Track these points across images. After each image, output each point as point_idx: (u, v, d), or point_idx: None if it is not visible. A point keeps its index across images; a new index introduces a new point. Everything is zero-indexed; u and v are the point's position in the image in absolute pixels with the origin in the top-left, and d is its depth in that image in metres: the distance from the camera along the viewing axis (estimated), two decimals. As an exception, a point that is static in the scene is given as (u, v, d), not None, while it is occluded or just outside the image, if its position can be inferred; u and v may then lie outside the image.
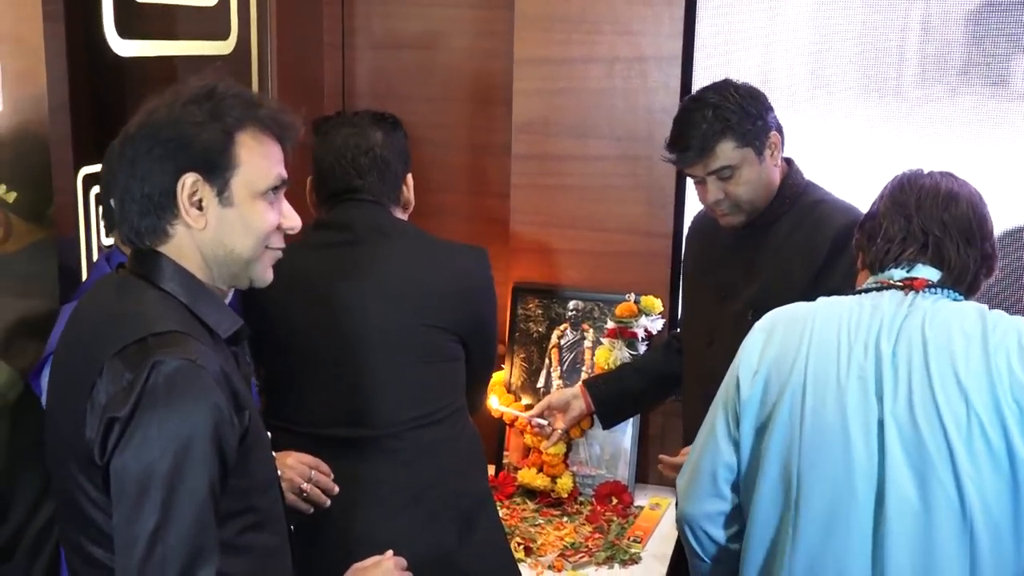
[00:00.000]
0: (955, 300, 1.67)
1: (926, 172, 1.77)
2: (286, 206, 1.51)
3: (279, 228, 1.50)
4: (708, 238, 2.36)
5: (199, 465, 1.34)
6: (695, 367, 2.34)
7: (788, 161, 2.26)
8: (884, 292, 1.69)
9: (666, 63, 2.69)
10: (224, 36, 2.46)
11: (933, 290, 1.67)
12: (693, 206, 2.53)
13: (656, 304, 2.75)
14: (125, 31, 2.10)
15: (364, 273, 1.99)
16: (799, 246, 2.16)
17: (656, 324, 2.74)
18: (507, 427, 2.82)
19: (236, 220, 1.45)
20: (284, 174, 1.49)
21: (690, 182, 2.30)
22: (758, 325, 1.76)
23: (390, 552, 1.67)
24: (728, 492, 1.77)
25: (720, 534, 1.80)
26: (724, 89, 2.17)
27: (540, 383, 2.84)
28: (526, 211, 2.86)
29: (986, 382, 1.55)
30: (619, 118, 2.75)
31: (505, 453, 2.83)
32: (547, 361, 2.84)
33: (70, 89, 1.94)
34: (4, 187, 1.82)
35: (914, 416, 1.57)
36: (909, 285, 1.68)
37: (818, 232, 2.15)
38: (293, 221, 1.52)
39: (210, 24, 2.43)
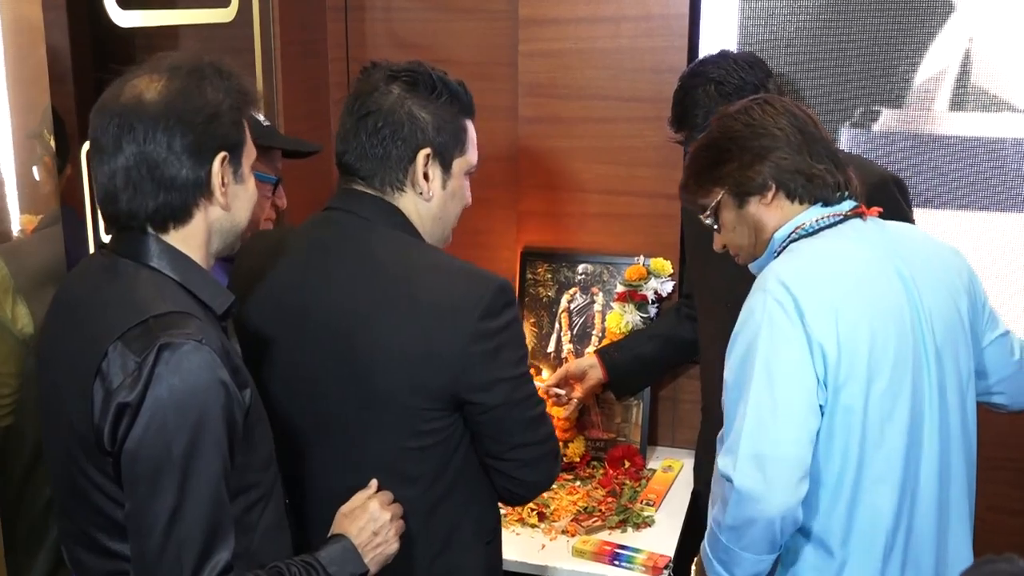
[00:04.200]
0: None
1: (780, 99, 1.83)
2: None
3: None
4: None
5: (212, 445, 1.33)
6: (712, 326, 2.33)
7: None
8: (847, 224, 1.74)
9: (673, 21, 2.65)
10: (225, 3, 2.43)
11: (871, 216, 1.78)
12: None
13: (666, 266, 2.74)
14: (125, 1, 2.07)
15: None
16: None
17: (666, 286, 2.73)
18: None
19: (243, 194, 1.51)
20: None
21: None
22: (781, 292, 1.66)
23: (373, 483, 1.63)
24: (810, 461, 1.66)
25: (802, 513, 1.67)
26: (723, 61, 2.15)
27: (551, 348, 2.83)
28: (533, 174, 2.84)
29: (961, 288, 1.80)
30: (626, 78, 2.71)
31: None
32: (557, 325, 2.83)
33: (72, 61, 1.93)
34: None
35: (940, 347, 1.72)
36: (861, 213, 1.76)
37: None
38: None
39: (211, -9, 2.40)
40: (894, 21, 2.53)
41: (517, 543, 2.32)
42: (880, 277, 1.70)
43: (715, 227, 1.86)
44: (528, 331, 2.86)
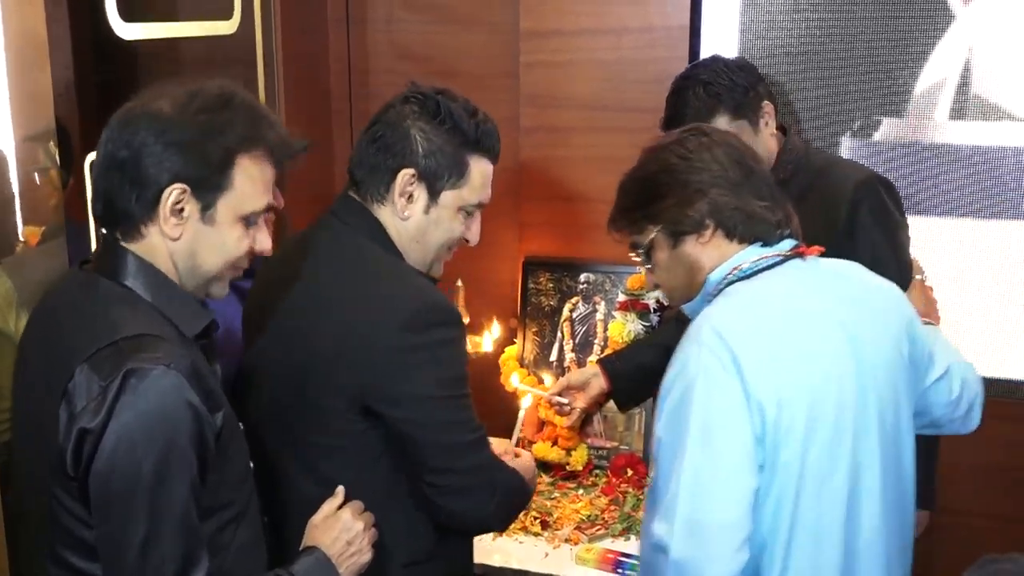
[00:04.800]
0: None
1: (715, 130, 1.75)
2: (263, 230, 1.48)
3: (249, 252, 1.47)
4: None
5: (181, 472, 1.31)
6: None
7: (783, 128, 2.26)
8: (787, 265, 1.63)
9: (674, 32, 2.66)
10: (227, 16, 2.44)
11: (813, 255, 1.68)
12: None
13: (667, 275, 2.74)
14: (128, 14, 2.08)
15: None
16: (817, 209, 2.16)
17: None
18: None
19: (212, 238, 1.42)
20: (273, 201, 1.47)
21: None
22: (716, 343, 1.55)
23: (340, 491, 1.60)
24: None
25: None
26: (713, 64, 2.18)
27: (553, 356, 2.84)
28: (535, 184, 2.85)
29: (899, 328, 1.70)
30: (627, 89, 2.72)
31: (519, 427, 2.83)
32: (559, 335, 2.83)
33: (75, 74, 1.94)
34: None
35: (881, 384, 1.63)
36: (800, 254, 1.66)
37: (836, 192, 2.16)
38: (264, 245, 1.48)
39: (213, 4, 2.41)
40: (894, 31, 2.54)
41: (520, 551, 2.33)
42: (821, 328, 1.60)
43: (648, 266, 1.75)
44: (530, 340, 2.87)
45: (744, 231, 1.63)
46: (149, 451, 1.29)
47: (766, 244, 1.64)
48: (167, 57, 2.26)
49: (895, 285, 1.75)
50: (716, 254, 1.64)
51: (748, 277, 1.61)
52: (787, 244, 1.65)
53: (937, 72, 2.54)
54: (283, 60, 2.66)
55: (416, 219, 1.71)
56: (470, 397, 1.70)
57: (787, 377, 1.54)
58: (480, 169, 1.73)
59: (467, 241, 1.79)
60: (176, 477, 1.31)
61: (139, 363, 1.30)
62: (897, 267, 2.13)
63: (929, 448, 2.18)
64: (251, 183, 1.43)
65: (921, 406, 1.76)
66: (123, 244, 1.41)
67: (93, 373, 1.30)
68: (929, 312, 2.03)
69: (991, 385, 2.60)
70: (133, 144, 1.37)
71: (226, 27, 2.43)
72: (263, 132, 1.44)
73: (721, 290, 1.63)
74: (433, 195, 1.71)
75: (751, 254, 1.63)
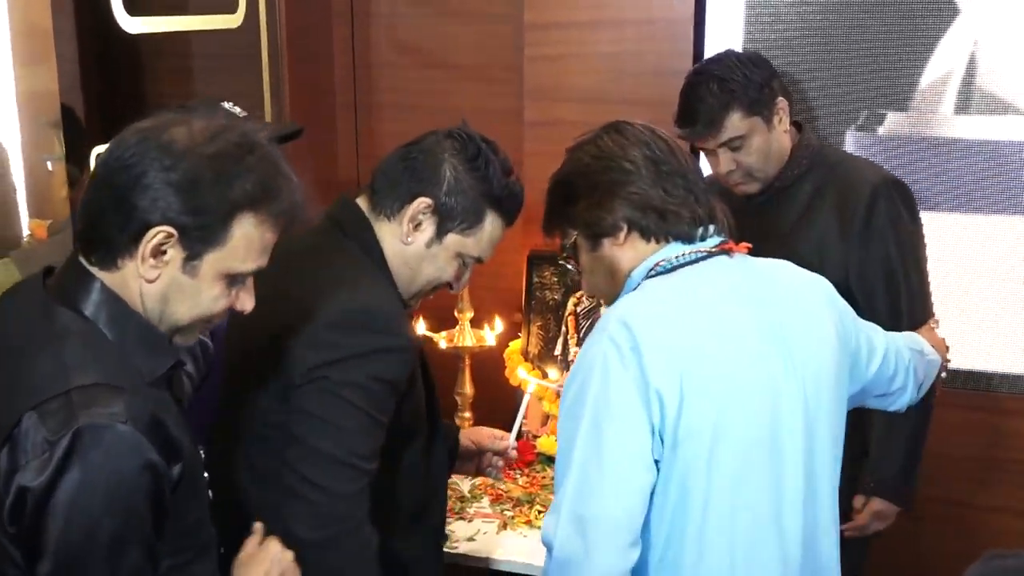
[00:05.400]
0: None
1: (638, 126, 1.66)
2: (248, 289, 1.37)
3: (226, 310, 1.36)
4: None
5: (139, 537, 1.24)
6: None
7: (798, 124, 2.25)
8: (712, 261, 1.56)
9: (677, 26, 2.66)
10: (232, 9, 2.44)
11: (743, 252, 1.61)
12: (705, 170, 2.52)
13: (671, 269, 2.74)
14: (133, 8, 2.09)
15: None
16: (833, 208, 2.16)
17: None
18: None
19: (189, 290, 1.31)
20: (264, 264, 1.36)
21: (703, 148, 2.29)
22: (620, 332, 1.47)
23: (259, 526, 1.48)
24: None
25: None
26: (727, 59, 2.17)
27: (557, 351, 2.84)
28: (540, 178, 2.82)
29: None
30: (631, 82, 2.72)
31: (524, 421, 2.83)
32: (564, 329, 2.84)
33: (80, 69, 1.94)
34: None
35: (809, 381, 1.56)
36: (729, 249, 1.58)
37: (851, 193, 2.16)
38: (246, 306, 1.37)
39: (218, -3, 2.42)
40: (899, 24, 2.54)
41: (524, 545, 2.32)
42: (741, 326, 1.52)
43: (578, 270, 1.70)
44: (535, 334, 2.87)
45: (658, 230, 1.56)
46: (106, 521, 1.20)
47: (687, 241, 1.56)
48: (172, 51, 2.27)
49: (824, 280, 1.69)
50: (633, 255, 1.58)
51: (669, 272, 1.55)
52: (712, 240, 1.58)
53: (942, 66, 2.54)
54: (287, 53, 2.66)
55: (416, 248, 1.69)
56: (381, 427, 1.60)
57: (694, 369, 1.45)
58: (493, 228, 1.72)
59: (450, 287, 1.76)
60: (134, 543, 1.23)
61: (92, 419, 1.20)
62: (910, 276, 2.13)
63: (912, 448, 2.19)
64: (246, 245, 1.31)
65: (867, 388, 1.76)
66: (91, 270, 1.30)
67: (41, 424, 1.19)
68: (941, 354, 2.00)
69: (998, 380, 2.61)
70: (134, 170, 1.26)
71: (231, 21, 2.43)
72: (275, 193, 1.32)
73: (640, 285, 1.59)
74: (440, 232, 1.68)
75: (672, 251, 1.56)
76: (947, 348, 2.03)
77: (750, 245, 1.63)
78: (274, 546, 1.46)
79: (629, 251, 1.58)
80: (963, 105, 2.54)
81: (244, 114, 2.04)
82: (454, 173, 1.66)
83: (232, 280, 1.33)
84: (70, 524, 1.19)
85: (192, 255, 1.29)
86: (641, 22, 2.69)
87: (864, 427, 2.18)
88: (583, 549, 1.41)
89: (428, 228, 1.68)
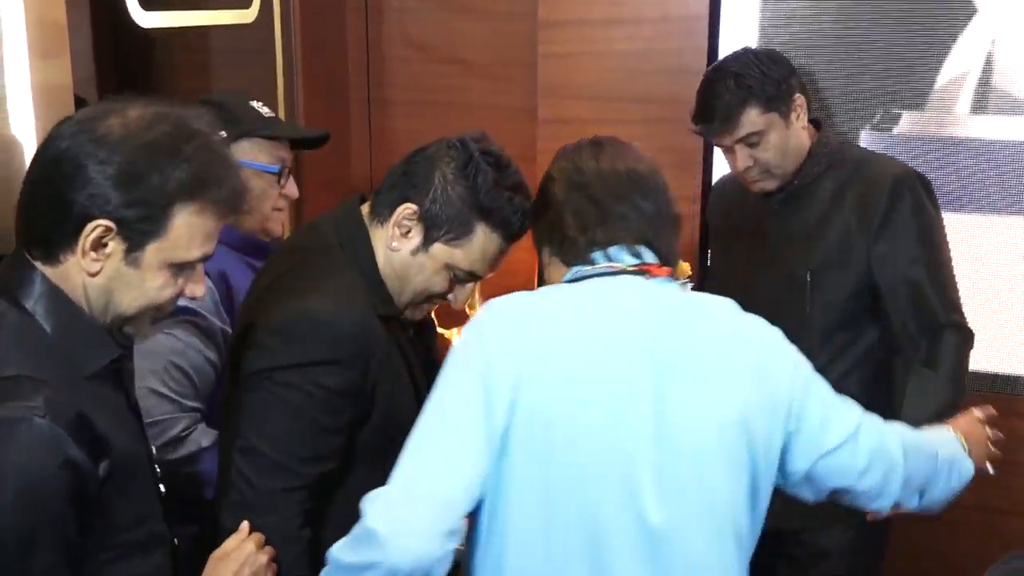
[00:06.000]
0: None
1: (592, 144, 1.57)
2: (196, 277, 1.35)
3: (174, 298, 1.34)
4: (736, 204, 2.34)
5: (53, 537, 1.20)
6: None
7: (816, 122, 2.24)
8: (620, 279, 1.47)
9: (692, 23, 2.65)
10: (246, 4, 2.45)
11: (668, 277, 1.50)
12: (720, 168, 2.51)
13: (685, 268, 2.73)
14: (147, 2, 2.09)
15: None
16: (854, 203, 2.15)
17: (685, 288, 2.72)
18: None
19: (133, 281, 1.29)
20: (210, 251, 1.34)
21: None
22: (486, 319, 1.46)
23: (244, 526, 1.49)
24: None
25: None
26: (744, 56, 2.17)
27: (568, 348, 2.83)
28: (552, 176, 2.84)
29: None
30: (644, 80, 2.71)
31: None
32: (575, 326, 2.83)
33: (95, 63, 1.95)
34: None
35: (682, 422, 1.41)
36: (647, 271, 1.49)
37: (872, 187, 2.14)
38: (195, 293, 1.35)
39: (232, -8, 2.42)
40: (916, 23, 2.52)
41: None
42: (613, 347, 1.42)
43: None
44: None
45: (563, 256, 1.52)
46: (15, 520, 1.17)
47: (584, 265, 1.50)
48: (186, 45, 2.27)
49: (777, 337, 1.52)
50: (557, 276, 1.54)
51: (574, 282, 1.50)
52: (627, 259, 1.48)
53: (959, 65, 2.52)
54: (301, 49, 2.66)
55: (403, 256, 1.65)
56: (327, 432, 1.56)
57: (533, 375, 1.39)
58: (486, 242, 1.64)
59: (449, 302, 1.73)
60: (46, 545, 1.20)
61: (7, 411, 1.17)
62: (935, 268, 2.11)
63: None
64: (189, 233, 1.29)
65: (816, 474, 1.52)
66: (35, 263, 1.29)
67: None
68: (979, 455, 1.78)
69: (1014, 382, 2.60)
70: (69, 164, 1.25)
71: (245, 15, 2.44)
72: (214, 181, 1.30)
73: None
74: (427, 241, 1.64)
75: (585, 270, 1.50)
76: (992, 440, 1.83)
77: (669, 270, 1.50)
78: (249, 546, 1.46)
79: (555, 272, 1.54)
80: (980, 105, 2.52)
81: (271, 114, 2.05)
82: (443, 181, 1.62)
83: (178, 269, 1.32)
84: None
85: (133, 247, 1.27)
86: (656, 20, 2.68)
87: (891, 394, 2.16)
88: (393, 524, 1.31)
89: (416, 235, 1.64)
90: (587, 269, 1.49)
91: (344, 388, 1.55)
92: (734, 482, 1.43)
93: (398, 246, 1.64)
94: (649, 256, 1.50)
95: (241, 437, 1.56)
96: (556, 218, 1.52)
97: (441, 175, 1.62)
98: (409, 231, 1.64)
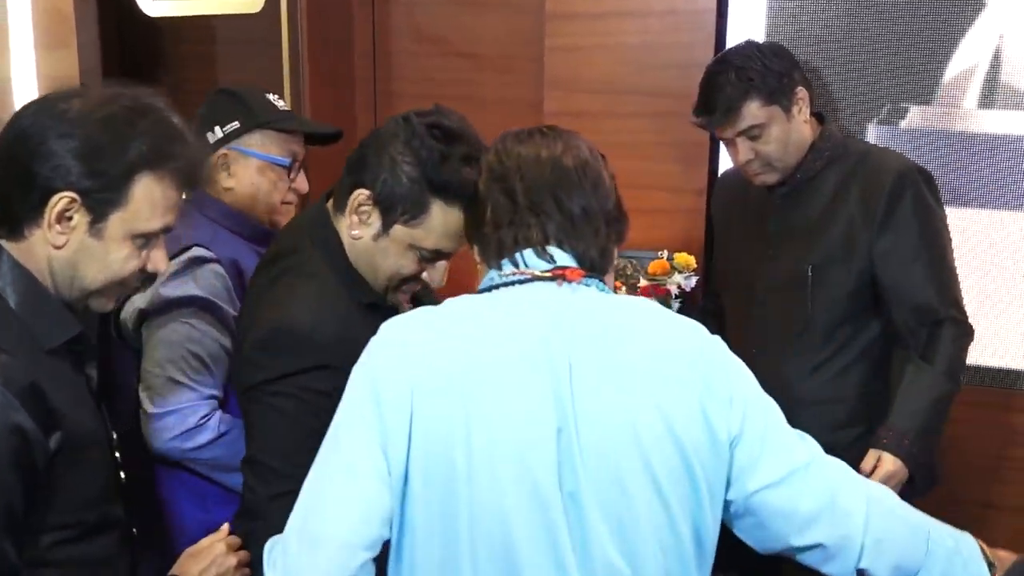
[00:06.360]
0: (603, 291, 1.39)
1: (522, 133, 1.45)
2: (159, 249, 1.39)
3: (137, 271, 1.38)
4: (739, 198, 2.34)
5: None
6: (740, 328, 2.33)
7: (819, 116, 2.24)
8: (529, 286, 1.35)
9: (700, 16, 2.64)
10: (253, -6, 2.45)
11: (585, 281, 1.37)
12: (727, 162, 2.51)
13: (690, 261, 2.73)
14: (154, -8, 2.10)
15: None
16: (857, 198, 2.14)
17: (690, 281, 2.72)
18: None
19: (97, 253, 1.34)
20: (171, 222, 1.38)
21: (723, 140, 2.28)
22: (377, 338, 1.35)
23: (224, 527, 1.53)
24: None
25: None
26: (747, 49, 2.17)
27: (573, 341, 2.83)
28: (558, 168, 2.84)
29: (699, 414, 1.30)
30: (652, 74, 2.71)
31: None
32: (580, 319, 2.82)
33: (101, 52, 1.95)
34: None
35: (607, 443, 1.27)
36: (561, 275, 1.35)
37: (874, 181, 2.14)
38: (158, 266, 1.40)
39: (239, -17, 2.42)
40: (924, 17, 2.52)
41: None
42: (508, 360, 1.29)
43: None
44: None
45: (482, 255, 1.42)
46: None
47: (493, 268, 1.39)
48: (192, 35, 2.27)
49: (719, 343, 1.40)
50: (480, 272, 1.43)
51: (485, 292, 1.39)
52: (539, 264, 1.36)
53: (967, 59, 2.51)
54: (308, 40, 2.66)
55: (365, 243, 1.62)
56: (309, 441, 1.44)
57: (425, 397, 1.28)
58: (445, 217, 1.58)
59: (428, 285, 1.71)
60: None
61: None
62: (938, 262, 2.11)
63: (932, 411, 2.07)
64: (150, 203, 1.34)
65: (753, 511, 1.35)
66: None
67: None
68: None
69: (1015, 377, 2.59)
70: (32, 140, 1.30)
71: (251, 5, 2.44)
72: (171, 152, 1.35)
73: None
74: (386, 224, 1.60)
75: (494, 278, 1.39)
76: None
77: (583, 273, 1.36)
78: (220, 547, 1.49)
79: (480, 270, 1.44)
80: (987, 99, 2.51)
81: (286, 107, 2.05)
82: (391, 162, 1.57)
83: (141, 241, 1.36)
84: None
85: (97, 218, 1.32)
86: (663, 13, 2.67)
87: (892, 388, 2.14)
88: (306, 568, 1.25)
89: (374, 220, 1.60)
90: (496, 277, 1.37)
91: (335, 390, 1.49)
92: (666, 495, 1.27)
93: (359, 233, 1.61)
94: (564, 258, 1.36)
95: (247, 450, 1.59)
96: (479, 211, 1.41)
97: (389, 156, 1.57)
98: (368, 216, 1.60)
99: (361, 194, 1.59)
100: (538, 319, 1.31)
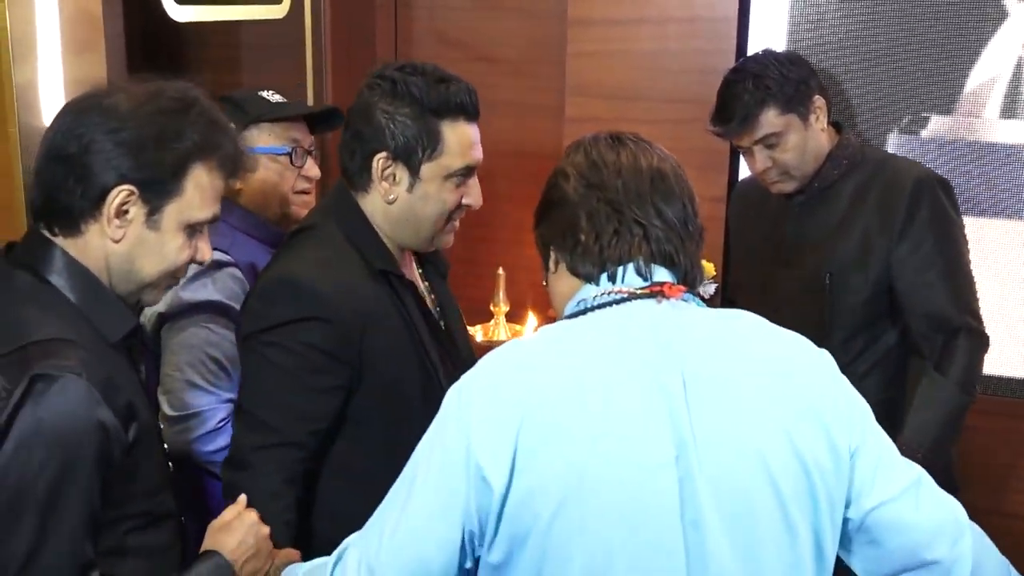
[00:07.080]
0: (700, 306, 1.33)
1: (611, 139, 1.39)
2: (205, 239, 1.44)
3: (188, 261, 1.42)
4: (757, 206, 2.34)
5: (79, 489, 1.25)
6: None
7: (837, 125, 2.24)
8: (630, 305, 1.28)
9: (720, 24, 2.65)
10: (278, 0, 2.47)
11: (684, 297, 1.31)
12: (746, 169, 2.51)
13: (709, 268, 2.73)
14: (181, -3, 2.12)
15: None
16: (874, 206, 2.14)
17: (709, 288, 2.72)
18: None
19: (154, 245, 1.37)
20: (219, 211, 1.43)
21: (742, 148, 2.29)
22: (470, 386, 1.24)
23: (242, 498, 1.51)
24: None
25: None
26: (764, 58, 2.17)
27: (591, 346, 2.83)
28: (578, 174, 2.84)
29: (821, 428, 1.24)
30: (672, 80, 2.72)
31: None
32: (598, 324, 2.83)
33: (127, 56, 1.97)
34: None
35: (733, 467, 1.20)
36: (660, 292, 1.29)
37: (892, 189, 2.14)
38: (205, 255, 1.43)
39: (264, -12, 2.44)
40: (945, 27, 2.51)
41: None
42: (626, 387, 1.20)
43: None
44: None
45: (572, 266, 1.33)
46: (46, 468, 1.22)
47: (590, 282, 1.32)
48: (217, 40, 2.29)
49: (827, 356, 1.34)
50: (566, 288, 1.35)
51: (583, 313, 1.31)
52: (637, 281, 1.30)
53: (989, 69, 2.50)
54: (331, 45, 2.68)
55: (402, 199, 1.67)
56: (316, 392, 1.59)
57: (535, 446, 1.18)
58: (457, 133, 1.67)
59: (470, 206, 1.74)
60: (72, 498, 1.24)
61: (47, 369, 1.23)
62: (955, 271, 2.11)
63: (947, 419, 2.07)
64: (201, 192, 1.38)
65: (869, 531, 1.30)
66: (51, 238, 1.36)
67: (0, 375, 1.23)
68: None
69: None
70: (83, 138, 1.32)
71: (276, 11, 2.46)
72: (219, 142, 1.40)
73: None
74: (413, 172, 1.66)
75: (591, 290, 1.32)
76: None
77: (684, 288, 1.32)
78: (250, 516, 1.48)
79: (564, 283, 1.36)
80: (1009, 109, 2.51)
81: (280, 99, 2.07)
82: (387, 116, 1.64)
83: (191, 230, 1.40)
84: (13, 468, 1.21)
85: (153, 209, 1.35)
86: (684, 20, 2.68)
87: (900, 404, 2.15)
88: None
89: (402, 176, 1.66)
90: (589, 297, 1.30)
91: (327, 346, 1.59)
92: (792, 518, 1.21)
93: (394, 195, 1.67)
94: (661, 274, 1.31)
95: (239, 399, 1.65)
96: (570, 218, 1.33)
97: (382, 113, 1.65)
98: (394, 174, 1.66)
99: (380, 157, 1.65)
100: (644, 341, 1.24)
